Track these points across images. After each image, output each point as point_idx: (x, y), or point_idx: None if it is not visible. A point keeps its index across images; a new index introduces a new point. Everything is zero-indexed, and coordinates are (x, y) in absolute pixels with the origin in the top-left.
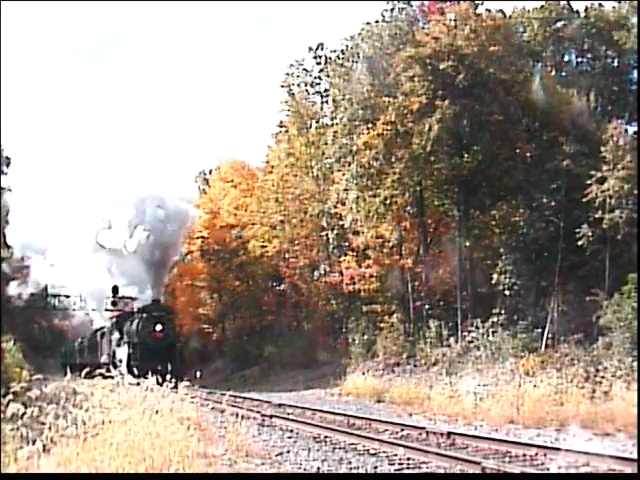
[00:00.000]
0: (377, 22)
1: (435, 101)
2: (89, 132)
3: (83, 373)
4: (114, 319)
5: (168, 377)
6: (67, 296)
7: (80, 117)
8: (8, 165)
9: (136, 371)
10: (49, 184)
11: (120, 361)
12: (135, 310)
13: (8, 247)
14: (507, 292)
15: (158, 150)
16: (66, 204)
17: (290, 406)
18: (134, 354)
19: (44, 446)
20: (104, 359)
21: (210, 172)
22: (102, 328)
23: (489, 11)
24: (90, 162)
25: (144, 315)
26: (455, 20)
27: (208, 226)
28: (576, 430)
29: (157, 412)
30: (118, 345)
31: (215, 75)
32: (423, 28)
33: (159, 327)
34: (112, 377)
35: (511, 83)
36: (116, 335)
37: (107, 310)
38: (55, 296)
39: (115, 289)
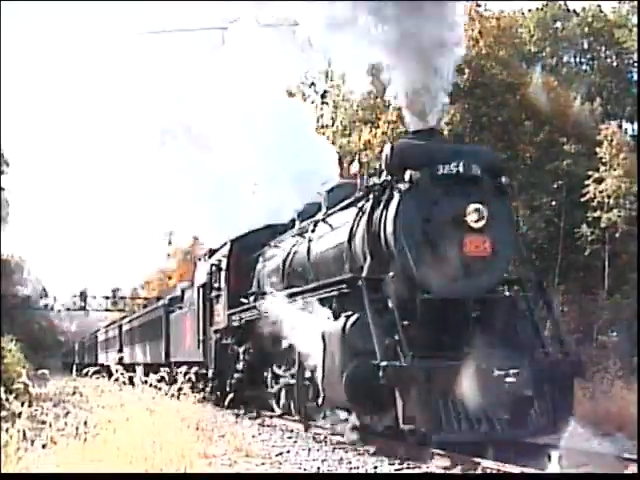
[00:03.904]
0: None
1: None
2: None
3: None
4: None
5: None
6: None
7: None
8: (8, 165)
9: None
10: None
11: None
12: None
13: None
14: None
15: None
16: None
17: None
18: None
19: (44, 446)
20: (188, 355)
21: None
22: (162, 297)
23: (484, 11)
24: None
25: (415, 182)
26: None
27: None
28: (576, 430)
29: (158, 412)
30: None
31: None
32: None
33: (477, 212)
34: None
35: (514, 84)
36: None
37: (107, 310)
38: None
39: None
